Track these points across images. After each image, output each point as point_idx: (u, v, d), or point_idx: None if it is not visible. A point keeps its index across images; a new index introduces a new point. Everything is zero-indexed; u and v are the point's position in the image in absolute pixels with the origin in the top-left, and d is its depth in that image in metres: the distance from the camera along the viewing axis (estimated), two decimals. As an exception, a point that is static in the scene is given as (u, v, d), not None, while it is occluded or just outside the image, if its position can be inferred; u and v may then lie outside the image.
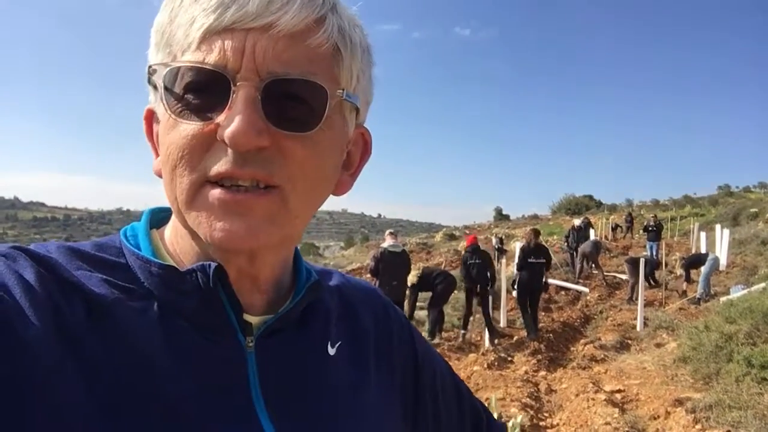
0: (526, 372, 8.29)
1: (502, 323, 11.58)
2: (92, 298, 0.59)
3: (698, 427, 5.56)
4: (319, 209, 0.69)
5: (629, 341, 10.32)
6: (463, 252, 11.18)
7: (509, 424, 4.88)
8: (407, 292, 9.88)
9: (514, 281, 11.27)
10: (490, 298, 10.39)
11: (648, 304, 12.58)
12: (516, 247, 14.55)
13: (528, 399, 6.87)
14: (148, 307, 0.61)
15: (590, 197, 67.49)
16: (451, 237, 36.45)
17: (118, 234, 0.70)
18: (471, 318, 10.62)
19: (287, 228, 0.62)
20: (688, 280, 14.38)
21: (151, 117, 0.68)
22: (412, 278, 9.77)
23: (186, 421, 0.57)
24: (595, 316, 12.96)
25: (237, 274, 0.65)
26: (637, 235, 29.30)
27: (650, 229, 20.37)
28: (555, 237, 29.59)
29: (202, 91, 0.58)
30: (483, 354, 9.08)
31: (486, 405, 1.06)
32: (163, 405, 0.57)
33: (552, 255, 12.75)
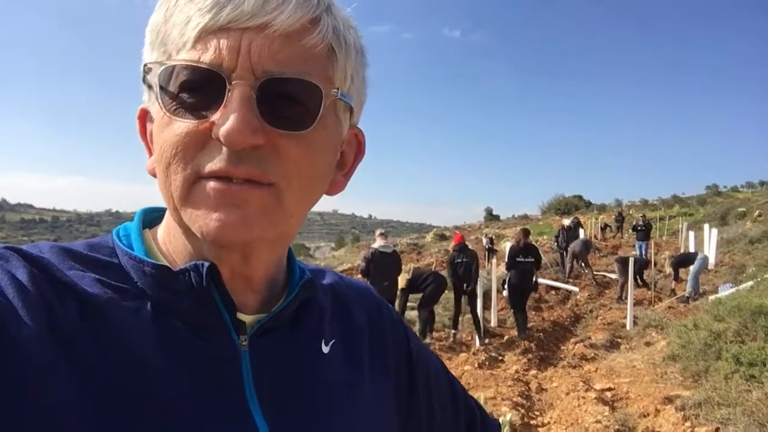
0: (516, 371, 8.31)
1: (493, 323, 11.61)
2: (85, 298, 0.59)
3: (687, 424, 5.60)
4: (310, 210, 0.69)
5: (619, 340, 10.37)
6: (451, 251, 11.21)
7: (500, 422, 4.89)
8: (398, 293, 9.88)
9: (504, 281, 11.30)
10: (480, 297, 10.40)
11: (637, 303, 12.65)
12: (506, 247, 14.60)
13: (519, 398, 6.89)
14: (141, 307, 0.61)
15: (580, 197, 67.92)
16: (442, 237, 36.50)
17: (110, 234, 0.70)
18: (461, 317, 10.64)
19: (282, 226, 0.63)
20: (677, 278, 14.47)
21: (144, 116, 0.68)
22: (401, 283, 9.76)
23: (180, 421, 0.57)
24: (585, 315, 13.02)
25: (230, 274, 0.65)
26: (626, 235, 29.50)
27: (639, 228, 20.50)
28: (545, 237, 29.70)
29: (197, 90, 0.58)
30: (474, 353, 9.10)
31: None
32: (157, 404, 0.57)
33: (542, 255, 12.79)
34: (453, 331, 10.49)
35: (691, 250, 17.12)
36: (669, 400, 6.46)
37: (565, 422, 6.16)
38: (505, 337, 10.55)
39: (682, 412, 5.85)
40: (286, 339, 0.71)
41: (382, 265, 9.14)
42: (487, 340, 10.10)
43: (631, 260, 12.52)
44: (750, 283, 11.37)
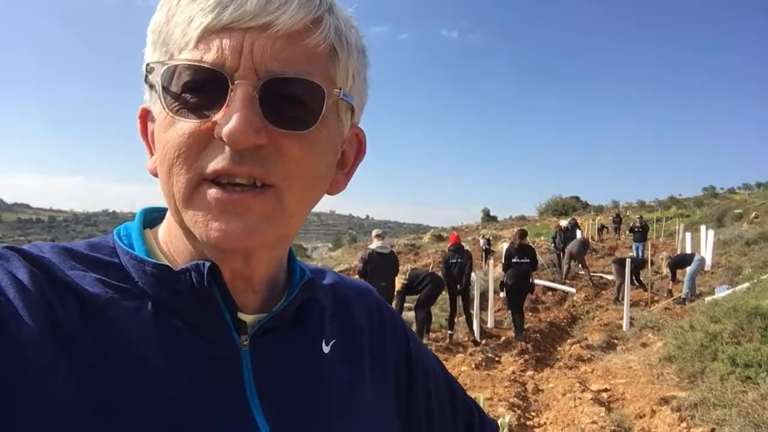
0: (513, 372, 8.32)
1: (490, 324, 11.61)
2: (86, 298, 0.59)
3: (683, 425, 5.61)
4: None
5: (615, 341, 10.39)
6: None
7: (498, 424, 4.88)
8: (395, 294, 9.88)
9: (502, 282, 11.30)
10: (477, 298, 10.40)
11: (634, 304, 12.68)
12: (503, 248, 14.59)
13: (515, 399, 6.89)
14: (142, 307, 0.61)
15: (577, 198, 67.95)
16: (439, 238, 36.53)
17: (111, 234, 0.70)
18: (456, 318, 10.64)
19: (283, 227, 0.63)
20: (674, 279, 14.49)
21: (146, 116, 0.68)
22: (397, 286, 9.76)
23: (181, 420, 0.57)
24: (582, 317, 13.03)
25: (231, 275, 0.65)
26: (623, 236, 29.56)
27: (636, 230, 20.55)
28: (542, 238, 29.74)
29: (199, 90, 0.58)
30: (471, 354, 9.10)
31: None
32: (158, 404, 0.57)
33: (538, 255, 12.79)
34: (449, 332, 10.49)
35: (688, 251, 17.13)
36: (665, 401, 6.47)
37: (561, 423, 6.17)
38: (502, 338, 10.55)
39: (678, 413, 5.86)
40: (287, 339, 0.71)
41: (380, 265, 9.14)
42: (483, 341, 10.10)
43: (628, 261, 12.53)
44: (746, 284, 11.39)
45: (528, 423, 6.33)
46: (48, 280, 0.58)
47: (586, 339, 10.63)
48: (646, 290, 14.42)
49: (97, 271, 0.62)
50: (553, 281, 16.70)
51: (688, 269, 13.55)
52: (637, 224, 20.81)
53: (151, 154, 0.67)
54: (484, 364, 8.61)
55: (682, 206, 57.99)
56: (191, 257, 0.65)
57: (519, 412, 6.47)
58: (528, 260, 10.92)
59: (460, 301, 10.53)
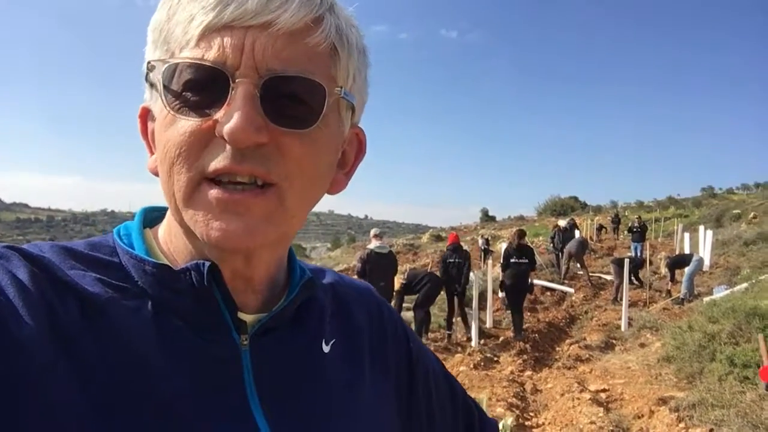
0: (511, 372, 8.32)
1: (488, 324, 11.61)
2: (86, 297, 0.59)
3: (682, 425, 5.62)
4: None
5: (614, 341, 10.39)
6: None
7: (499, 426, 4.88)
8: (394, 294, 9.88)
9: (502, 282, 11.31)
10: (476, 298, 10.40)
11: (632, 304, 12.68)
12: (502, 248, 14.59)
13: (514, 399, 6.90)
14: (142, 306, 0.61)
15: (575, 198, 67.91)
16: (438, 238, 36.53)
17: (111, 233, 0.70)
18: (454, 318, 10.64)
19: (284, 226, 0.63)
20: (673, 280, 14.50)
21: (146, 115, 0.68)
22: (396, 285, 9.77)
23: (181, 420, 0.57)
24: (580, 317, 13.04)
25: (231, 275, 0.65)
26: (622, 236, 29.59)
27: (635, 230, 20.59)
28: (541, 238, 29.74)
29: (200, 88, 0.58)
30: (469, 354, 9.10)
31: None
32: (158, 404, 0.57)
33: (537, 255, 12.79)
34: (448, 331, 10.49)
35: (687, 251, 17.15)
36: (663, 401, 6.48)
37: (559, 423, 6.18)
38: (501, 338, 10.54)
39: (677, 414, 5.87)
40: (287, 338, 0.71)
41: (378, 265, 9.14)
42: (482, 341, 10.10)
43: (627, 262, 12.53)
44: (744, 284, 11.40)
45: (527, 423, 6.33)
46: (48, 279, 0.58)
47: (585, 339, 10.63)
48: (643, 286, 14.41)
49: (97, 271, 0.62)
50: (552, 281, 16.70)
51: (687, 269, 13.55)
52: (636, 224, 20.84)
53: (152, 153, 0.66)
54: (482, 364, 8.61)
55: (680, 206, 58.02)
56: (191, 257, 0.65)
57: (517, 412, 6.47)
58: (526, 260, 10.91)
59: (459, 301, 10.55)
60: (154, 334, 0.60)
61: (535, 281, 13.11)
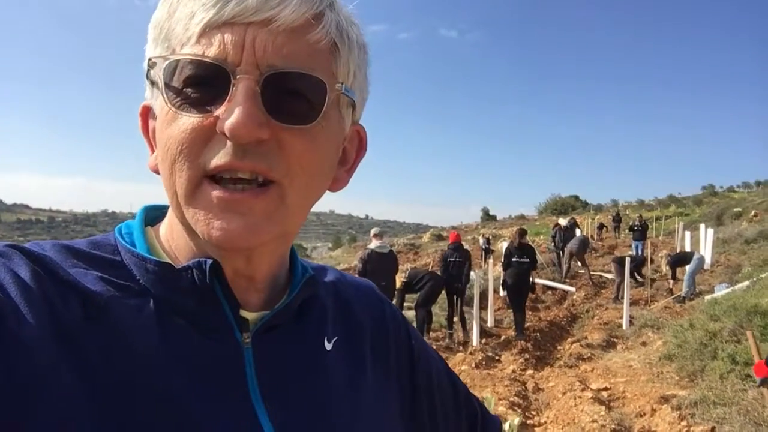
0: (513, 371, 8.31)
1: (490, 323, 11.61)
2: (88, 296, 0.58)
3: (683, 423, 5.62)
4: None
5: (615, 340, 10.39)
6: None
7: (505, 426, 4.87)
8: (395, 293, 9.88)
9: (504, 281, 11.31)
10: (477, 297, 10.40)
11: (633, 302, 12.67)
12: (503, 247, 14.59)
13: (516, 398, 6.89)
14: (144, 305, 0.61)
15: (576, 197, 67.98)
16: (439, 237, 36.52)
17: (113, 232, 0.70)
18: (455, 317, 10.64)
19: (285, 224, 0.63)
20: (674, 278, 14.49)
21: (146, 113, 0.68)
22: (397, 284, 9.77)
23: (184, 418, 0.57)
24: (582, 315, 13.03)
25: (233, 273, 0.65)
26: (623, 235, 29.58)
27: (636, 228, 20.58)
28: (542, 237, 29.75)
29: (201, 85, 0.58)
30: (471, 353, 9.09)
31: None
32: (160, 402, 0.56)
33: (538, 254, 12.78)
34: (449, 331, 10.49)
35: (688, 250, 17.12)
36: (665, 399, 6.48)
37: (561, 422, 6.17)
38: (502, 337, 10.54)
39: (678, 412, 5.87)
40: (289, 336, 0.71)
41: (379, 265, 9.13)
42: (483, 340, 10.10)
43: (628, 260, 12.53)
44: (746, 283, 11.38)
45: (529, 422, 6.33)
46: (50, 278, 0.58)
47: (586, 338, 10.62)
48: (645, 284, 14.40)
49: (99, 269, 0.62)
50: (553, 280, 16.70)
51: (688, 268, 13.54)
52: (637, 223, 20.83)
53: (152, 151, 0.66)
54: (484, 363, 8.61)
55: (681, 205, 58.04)
56: (193, 255, 0.65)
57: (519, 411, 6.46)
58: (528, 259, 10.92)
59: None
60: (157, 332, 0.60)
61: (537, 280, 13.11)
